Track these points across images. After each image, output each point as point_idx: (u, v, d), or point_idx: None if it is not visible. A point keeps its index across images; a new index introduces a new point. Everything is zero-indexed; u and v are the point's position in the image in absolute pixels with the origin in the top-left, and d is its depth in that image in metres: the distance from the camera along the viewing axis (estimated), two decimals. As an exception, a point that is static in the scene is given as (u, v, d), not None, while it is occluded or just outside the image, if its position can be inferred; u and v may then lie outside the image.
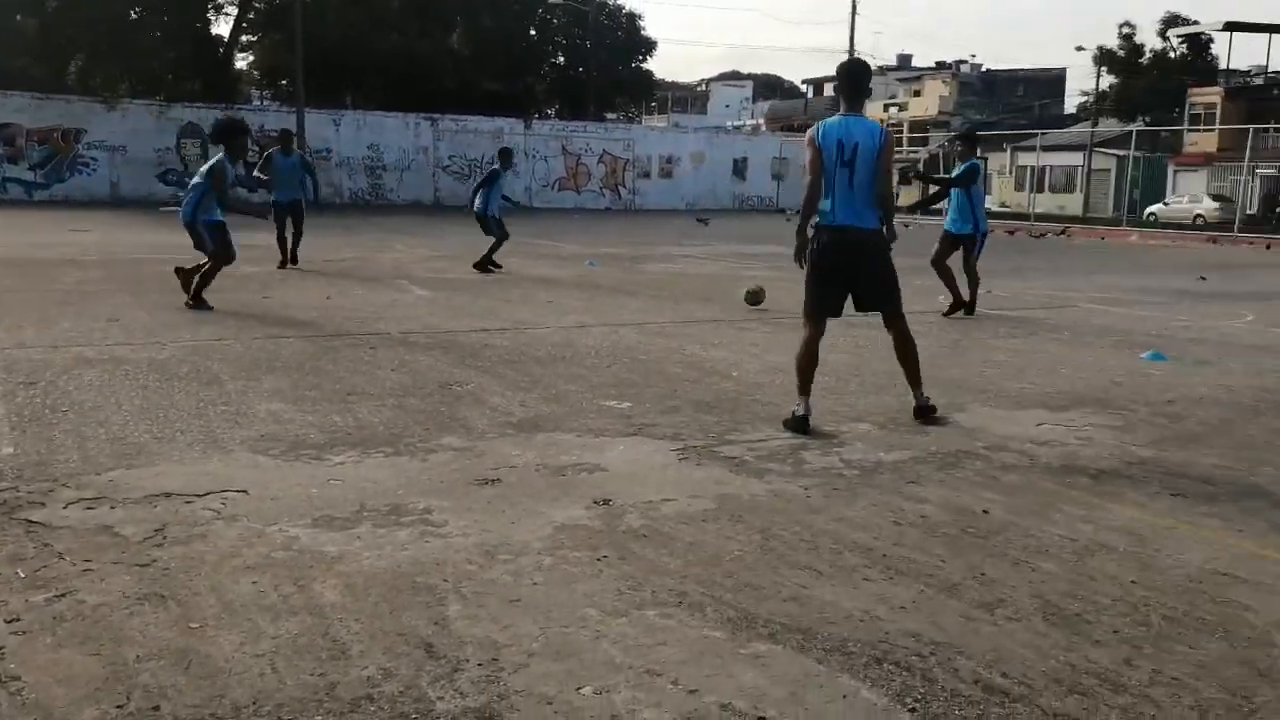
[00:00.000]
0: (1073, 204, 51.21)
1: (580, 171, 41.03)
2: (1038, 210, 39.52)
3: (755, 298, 10.88)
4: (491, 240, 14.16)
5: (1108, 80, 60.08)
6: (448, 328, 9.07)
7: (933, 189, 12.59)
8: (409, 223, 26.54)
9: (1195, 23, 58.66)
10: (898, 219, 6.29)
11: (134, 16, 39.98)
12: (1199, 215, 42.33)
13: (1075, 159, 54.14)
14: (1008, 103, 75.08)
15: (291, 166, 13.96)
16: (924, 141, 44.10)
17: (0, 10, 37.53)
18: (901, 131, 57.06)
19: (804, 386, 5.77)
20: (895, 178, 5.51)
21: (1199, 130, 49.90)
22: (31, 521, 3.92)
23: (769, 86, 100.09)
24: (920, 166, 10.80)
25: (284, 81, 43.36)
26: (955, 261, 10.68)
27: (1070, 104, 74.37)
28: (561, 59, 52.88)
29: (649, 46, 53.76)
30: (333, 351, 7.70)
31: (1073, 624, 3.26)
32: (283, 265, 13.55)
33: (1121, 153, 49.13)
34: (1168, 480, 4.87)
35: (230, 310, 9.58)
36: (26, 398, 5.94)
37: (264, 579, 3.44)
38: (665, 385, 6.78)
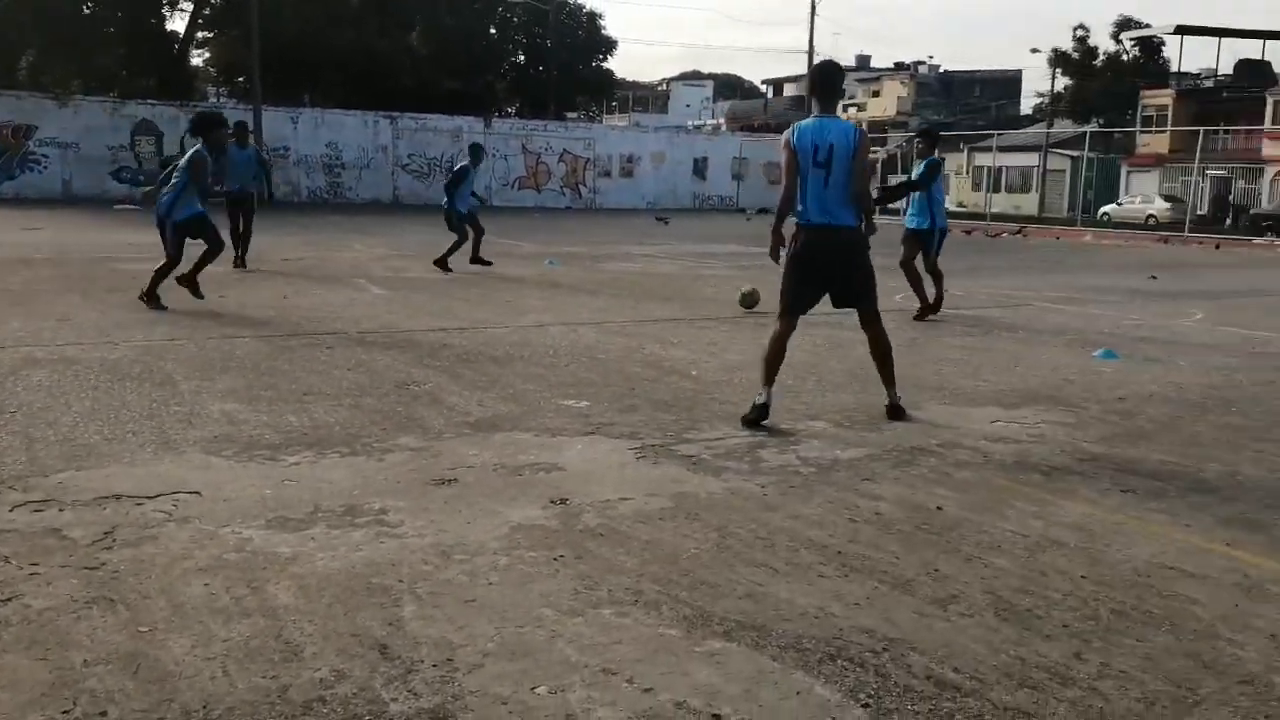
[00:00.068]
0: (1028, 204, 51.87)
1: (540, 170, 40.90)
2: (994, 210, 39.95)
3: (749, 300, 10.73)
4: (475, 231, 14.19)
5: (1063, 82, 60.91)
6: (405, 327, 9.01)
7: (893, 185, 12.61)
8: (368, 221, 26.33)
9: (1147, 26, 59.63)
10: None
11: (86, 12, 39.39)
12: (1151, 215, 43.02)
13: (1031, 160, 54.83)
14: (965, 104, 75.82)
15: (246, 160, 13.79)
16: (882, 142, 44.42)
17: (-52, 4, 36.86)
18: (861, 132, 57.34)
19: (768, 378, 5.86)
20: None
21: (1151, 132, 50.72)
22: (-23, 525, 3.84)
23: (729, 86, 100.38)
24: (882, 191, 10.80)
25: (241, 78, 42.94)
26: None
27: (1026, 105, 75.33)
28: (522, 58, 52.76)
29: (609, 46, 53.81)
30: (289, 351, 7.63)
31: (1024, 619, 3.30)
32: (241, 264, 13.39)
33: (1076, 153, 49.85)
34: (1118, 476, 4.95)
35: (185, 310, 9.46)
36: (-27, 399, 5.83)
37: (216, 581, 3.40)
38: (624, 384, 6.78)
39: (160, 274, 9.69)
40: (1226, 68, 56.36)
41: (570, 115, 54.66)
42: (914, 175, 10.76)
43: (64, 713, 2.58)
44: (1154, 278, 16.67)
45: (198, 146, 9.79)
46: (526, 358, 7.64)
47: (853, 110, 74.39)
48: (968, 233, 30.66)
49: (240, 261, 13.48)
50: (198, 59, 47.20)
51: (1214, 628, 3.28)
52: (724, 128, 71.17)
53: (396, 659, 2.90)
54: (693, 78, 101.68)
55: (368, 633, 3.06)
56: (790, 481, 4.72)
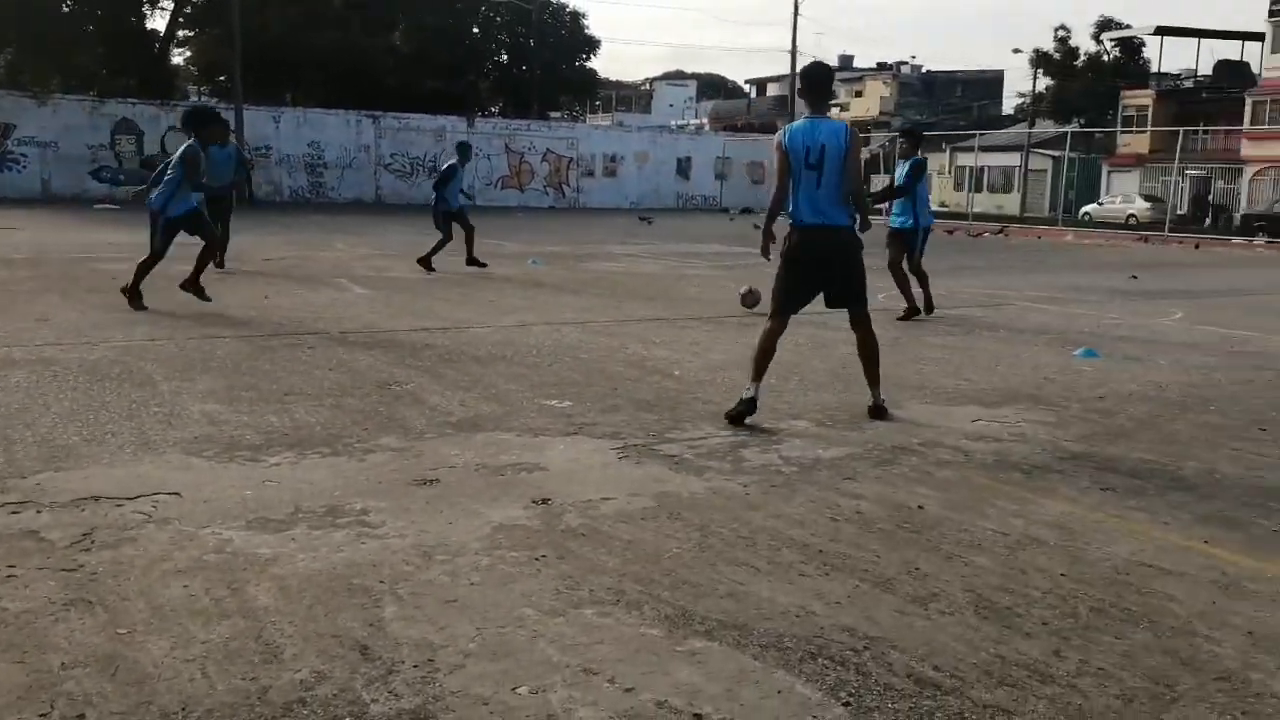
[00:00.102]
0: (1010, 204, 52.06)
1: (524, 170, 40.83)
2: (976, 210, 40.08)
3: (751, 299, 10.52)
4: (465, 230, 14.10)
5: (1044, 82, 61.17)
6: (387, 327, 8.99)
7: (877, 192, 12.49)
8: (350, 221, 26.24)
9: (1127, 27, 59.92)
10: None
11: (66, 10, 39.10)
12: (1131, 215, 43.26)
13: (1013, 159, 55.05)
14: (947, 103, 76.06)
15: (226, 159, 13.61)
16: (866, 142, 44.57)
17: (-75, 2, 36.52)
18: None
19: (757, 373, 5.93)
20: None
21: (1131, 132, 51.00)
22: (-47, 527, 3.81)
23: (712, 86, 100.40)
24: (871, 200, 10.67)
25: (222, 77, 42.69)
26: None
27: (1008, 105, 75.58)
28: (505, 57, 52.64)
29: (593, 45, 53.73)
30: (270, 351, 7.59)
31: (1004, 617, 3.32)
32: (219, 265, 13.28)
33: (1057, 153, 50.06)
34: (1097, 475, 4.98)
35: (165, 310, 9.41)
36: (-50, 400, 5.78)
37: (195, 583, 3.38)
38: (606, 384, 6.78)
39: (143, 269, 9.62)
40: (1206, 68, 56.73)
41: (554, 115, 54.58)
42: (898, 175, 10.76)
43: (41, 715, 2.57)
44: (1134, 277, 16.77)
45: (190, 142, 9.70)
46: (509, 357, 7.63)
47: (835, 110, 74.57)
48: (950, 232, 30.77)
49: (219, 262, 13.35)
50: (178, 58, 46.98)
51: (1191, 625, 3.30)
52: (707, 127, 71.23)
53: (377, 660, 2.90)
54: (676, 77, 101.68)
55: (348, 634, 3.05)
56: (772, 481, 4.72)
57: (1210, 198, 46.01)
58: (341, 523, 3.99)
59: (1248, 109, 46.32)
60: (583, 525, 4.04)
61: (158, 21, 42.61)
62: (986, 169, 54.25)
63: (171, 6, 41.69)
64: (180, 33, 44.11)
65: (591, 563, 3.66)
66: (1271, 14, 46.16)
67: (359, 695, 2.71)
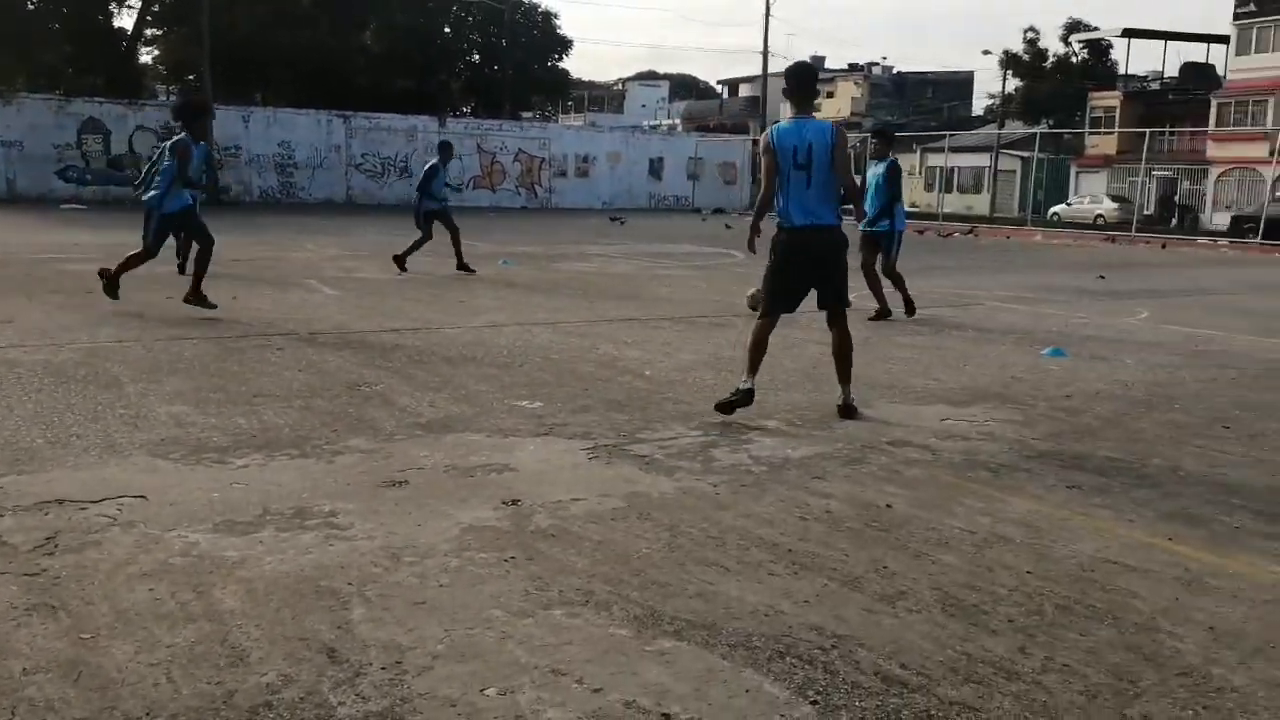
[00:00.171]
0: (980, 204, 52.46)
1: (495, 170, 40.70)
2: (946, 210, 40.37)
3: (756, 302, 10.38)
4: (450, 232, 13.96)
5: (1013, 84, 61.67)
6: (357, 328, 8.94)
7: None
8: (320, 221, 26.08)
9: (1095, 29, 60.50)
10: None
11: (31, 7, 38.68)
12: (1099, 215, 43.69)
13: (982, 160, 55.47)
14: (918, 104, 76.55)
15: (196, 158, 13.39)
16: (839, 142, 44.76)
17: (-114, -1, 36.00)
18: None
19: (752, 367, 6.04)
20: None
21: (1099, 133, 51.52)
22: (-87, 531, 3.76)
23: (685, 87, 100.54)
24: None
25: (191, 77, 42.31)
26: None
27: (978, 106, 76.16)
28: (476, 57, 52.50)
29: (565, 45, 53.71)
30: (238, 353, 7.54)
31: (970, 614, 3.34)
32: (182, 270, 12.94)
33: (1026, 154, 50.49)
34: (1064, 473, 5.02)
35: (132, 311, 9.32)
36: (-89, 403, 5.70)
37: (161, 586, 3.35)
38: (577, 384, 6.78)
39: (131, 261, 9.47)
40: (1172, 70, 57.41)
41: (526, 115, 54.48)
42: (870, 176, 10.72)
43: (2, 722, 2.54)
44: (1102, 277, 16.94)
45: (181, 135, 9.47)
46: (479, 358, 7.61)
47: (807, 111, 74.67)
48: (920, 233, 30.95)
49: (181, 267, 13.02)
50: (146, 56, 46.58)
51: (1155, 621, 3.34)
52: (680, 128, 71.33)
53: (345, 662, 2.88)
54: (649, 78, 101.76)
55: (316, 636, 3.03)
56: (742, 480, 4.74)
57: (1176, 198, 46.54)
58: (310, 525, 3.97)
59: (1213, 111, 46.91)
60: (552, 526, 4.04)
61: (125, 20, 42.25)
62: (957, 170, 54.66)
63: (139, 4, 41.32)
64: (148, 31, 43.76)
65: (561, 564, 3.66)
66: (1236, 17, 46.76)
67: (326, 698, 2.69)
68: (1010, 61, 60.66)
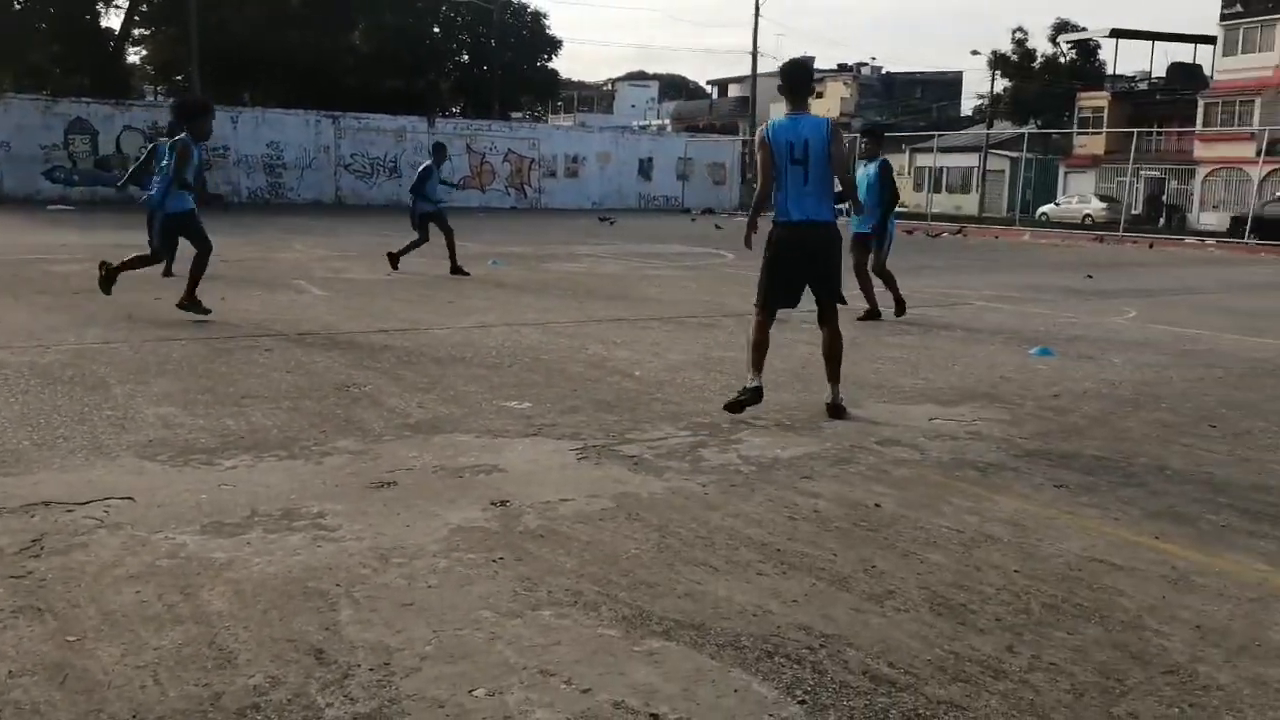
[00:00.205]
0: (969, 204, 52.64)
1: (485, 170, 40.66)
2: (935, 210, 40.51)
3: None
4: (445, 235, 13.90)
5: (1002, 84, 61.83)
6: (346, 328, 8.92)
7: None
8: (309, 222, 26.03)
9: (1083, 29, 60.73)
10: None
11: (18, 7, 38.51)
12: (1087, 215, 43.87)
13: (971, 160, 55.67)
14: (907, 104, 76.68)
15: (196, 158, 13.22)
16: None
17: None
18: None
19: (756, 364, 6.03)
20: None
21: (1087, 133, 51.73)
22: (-102, 534, 3.74)
23: (674, 87, 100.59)
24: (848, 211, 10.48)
25: (179, 77, 42.20)
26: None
27: (967, 106, 76.34)
28: (466, 57, 52.45)
29: (554, 45, 53.66)
30: (226, 354, 7.52)
31: (958, 613, 3.35)
32: (167, 273, 12.80)
33: (1015, 154, 50.65)
34: (1051, 472, 5.04)
35: (120, 312, 9.29)
36: (-104, 405, 5.68)
37: (148, 588, 3.34)
38: (566, 385, 6.77)
39: (136, 261, 9.37)
40: (1160, 71, 57.68)
41: (515, 115, 54.46)
42: (860, 175, 10.69)
43: (-13, 725, 2.53)
44: (1090, 276, 17.00)
45: (182, 135, 9.29)
46: (468, 359, 7.61)
47: (797, 111, 74.70)
48: (909, 232, 31.01)
49: (169, 271, 12.90)
50: (134, 56, 46.42)
51: (1141, 619, 3.35)
52: (669, 128, 71.39)
53: (333, 664, 2.88)
54: (638, 78, 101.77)
55: (303, 638, 3.03)
56: (731, 480, 4.74)
57: (1164, 198, 46.74)
58: (298, 526, 3.96)
59: (1200, 111, 47.15)
60: (541, 527, 4.04)
61: (113, 20, 42.22)
62: (945, 170, 54.86)
63: (126, 4, 41.20)
64: (136, 31, 43.63)
65: (549, 564, 3.66)
66: (1223, 18, 46.99)
67: (314, 700, 2.69)
68: (999, 62, 60.80)
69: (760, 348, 6.07)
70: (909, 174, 56.70)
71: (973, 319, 10.93)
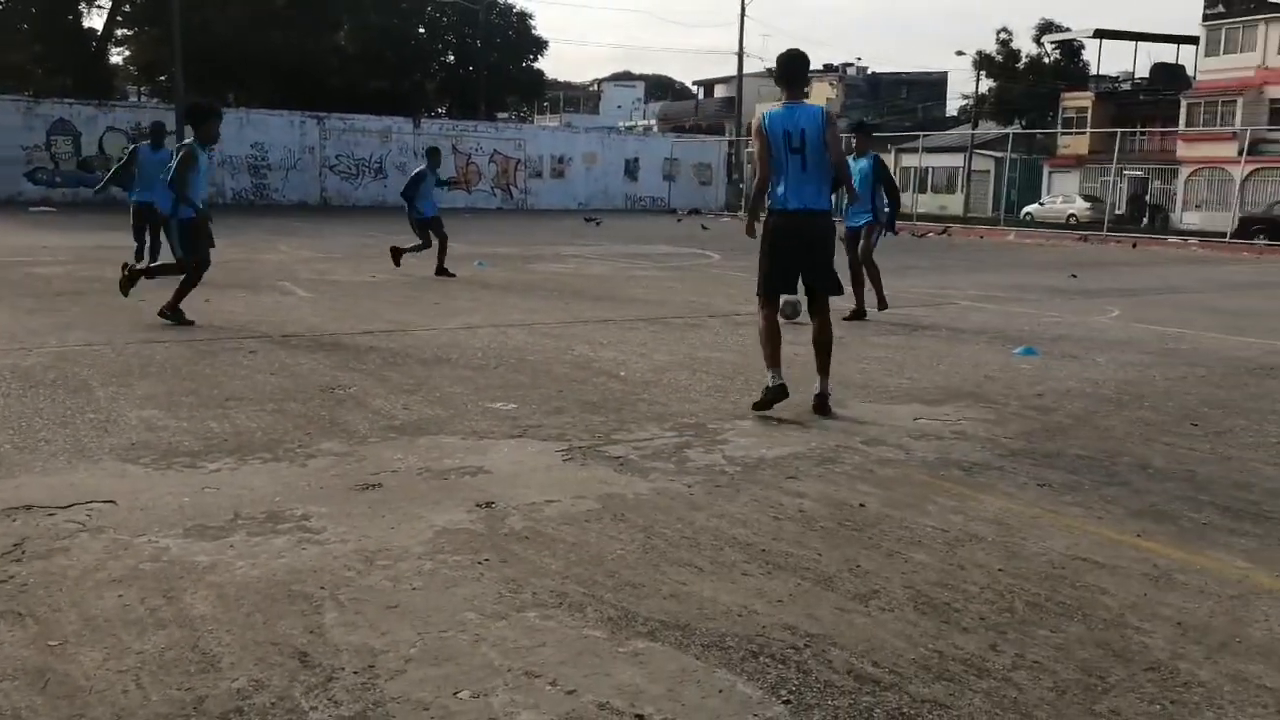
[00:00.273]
0: (954, 204, 52.78)
1: (471, 171, 40.64)
2: (920, 210, 40.61)
3: (790, 309, 9.34)
4: (439, 240, 13.88)
5: (987, 84, 62.05)
6: (331, 330, 8.90)
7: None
8: (294, 223, 25.94)
9: (1068, 30, 61.00)
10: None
11: (-1, 7, 38.29)
12: (1072, 215, 44.03)
13: (956, 160, 55.79)
14: (892, 105, 76.80)
15: (160, 163, 12.97)
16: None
17: None
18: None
19: (772, 359, 6.08)
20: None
21: (1071, 133, 51.95)
22: (-122, 539, 3.72)
23: (660, 87, 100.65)
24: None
25: (163, 77, 41.99)
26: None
27: (952, 106, 76.58)
28: (451, 58, 52.34)
29: (540, 46, 53.60)
30: (210, 356, 7.49)
31: (942, 612, 3.36)
32: (151, 276, 12.67)
33: (1000, 154, 50.79)
34: (1035, 471, 5.06)
35: (102, 315, 9.24)
36: (-124, 408, 5.63)
37: (130, 592, 3.33)
38: (552, 386, 6.77)
39: (169, 270, 9.19)
40: (1143, 71, 57.96)
41: (501, 116, 54.40)
42: (853, 170, 10.68)
43: (-32, 731, 2.51)
44: (1074, 276, 17.08)
45: (188, 140, 9.11)
46: (454, 360, 7.59)
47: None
48: (895, 233, 31.11)
49: (149, 272, 12.76)
50: (117, 57, 46.16)
51: (1123, 617, 3.37)
52: (655, 129, 71.39)
53: (317, 667, 2.87)
54: (624, 78, 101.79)
55: (287, 641, 3.02)
56: (716, 481, 4.75)
57: (1147, 198, 46.97)
58: (282, 529, 3.94)
59: (1183, 111, 47.42)
60: (526, 528, 4.04)
61: (95, 20, 42.03)
62: (931, 170, 54.95)
63: (109, 5, 40.97)
64: (119, 31, 43.38)
65: (535, 565, 3.66)
66: (1205, 18, 47.28)
67: (298, 703, 2.68)
68: (983, 62, 61.02)
69: (773, 340, 6.12)
70: (894, 174, 56.80)
71: (958, 319, 10.97)
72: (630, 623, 3.21)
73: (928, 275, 16.48)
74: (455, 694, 2.75)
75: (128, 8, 42.08)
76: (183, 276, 9.13)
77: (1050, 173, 53.69)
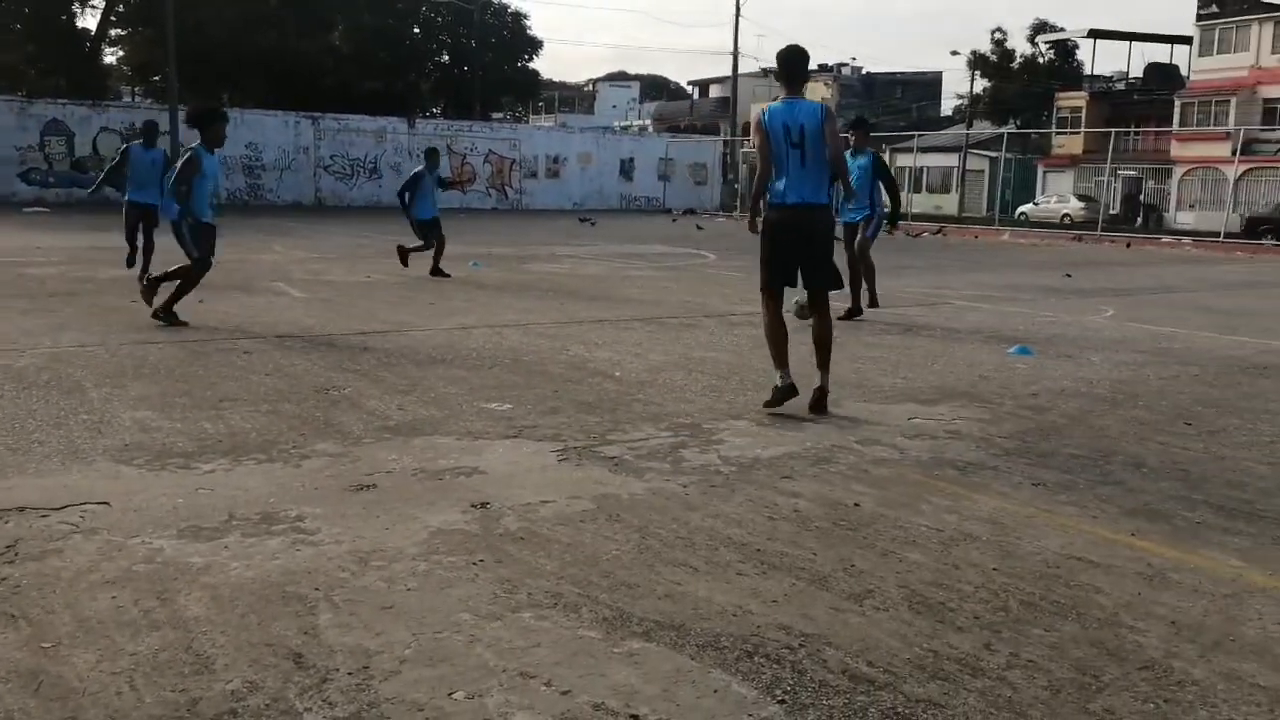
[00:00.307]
0: (949, 204, 52.81)
1: (466, 171, 40.62)
2: (915, 210, 40.61)
3: (804, 313, 9.88)
4: (437, 241, 13.87)
5: (981, 84, 62.17)
6: (325, 330, 8.89)
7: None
8: (288, 224, 25.91)
9: (1062, 30, 61.10)
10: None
11: (-8, 8, 38.21)
12: (1066, 215, 44.13)
13: (951, 160, 55.86)
14: (887, 104, 76.91)
15: (152, 163, 12.87)
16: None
17: None
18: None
19: (779, 358, 6.11)
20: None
21: (1066, 133, 52.04)
22: None
23: (655, 87, 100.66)
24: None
25: (156, 78, 41.96)
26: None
27: (946, 106, 76.72)
28: (446, 58, 52.31)
29: (535, 46, 53.61)
30: (204, 356, 7.47)
31: (937, 612, 3.37)
32: (131, 265, 12.63)
33: (994, 154, 50.89)
34: (1029, 470, 5.07)
35: (95, 315, 9.22)
36: None
37: (124, 594, 3.32)
38: (547, 386, 6.77)
39: (183, 277, 9.13)
40: (1137, 71, 58.06)
41: (496, 116, 54.36)
42: (851, 167, 10.67)
43: (-39, 733, 2.51)
44: (1068, 276, 17.11)
45: (194, 144, 9.00)
46: (449, 361, 7.59)
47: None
48: (890, 232, 31.15)
49: (133, 261, 12.70)
50: (111, 58, 46.11)
51: (1118, 616, 3.37)
52: (650, 129, 71.39)
53: (311, 668, 2.87)
54: (619, 78, 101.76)
55: (282, 642, 3.01)
56: (711, 481, 4.75)
57: (1141, 197, 47.07)
58: (276, 530, 3.94)
59: (1176, 111, 47.53)
60: (521, 529, 4.03)
61: (89, 20, 41.88)
62: (925, 169, 55.01)
63: (103, 5, 40.89)
64: (112, 32, 43.33)
65: (530, 566, 3.65)
66: (1199, 19, 47.39)
67: (292, 704, 2.68)
68: (978, 62, 61.18)
69: (778, 338, 6.15)
70: (890, 174, 56.82)
71: (952, 318, 10.98)
72: (625, 623, 3.21)
73: (923, 275, 16.49)
74: (450, 695, 2.75)
75: (121, 8, 42.05)
76: (185, 275, 9.11)
77: (1045, 172, 53.79)
